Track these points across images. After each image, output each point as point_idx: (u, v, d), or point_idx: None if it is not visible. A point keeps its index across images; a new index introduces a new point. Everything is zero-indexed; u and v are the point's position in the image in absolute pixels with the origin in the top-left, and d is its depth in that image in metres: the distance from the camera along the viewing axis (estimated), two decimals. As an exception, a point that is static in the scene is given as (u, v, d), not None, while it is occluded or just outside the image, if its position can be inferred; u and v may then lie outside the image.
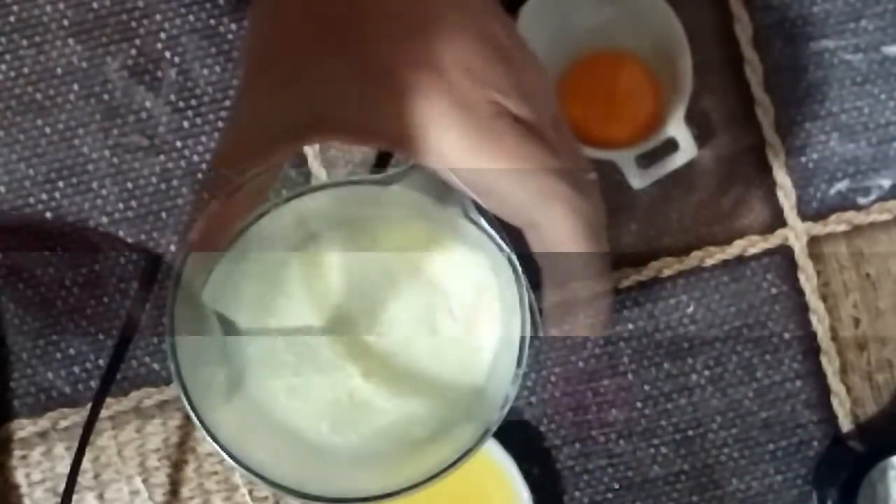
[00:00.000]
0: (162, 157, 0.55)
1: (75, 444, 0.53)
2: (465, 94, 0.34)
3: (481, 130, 0.33)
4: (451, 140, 0.32)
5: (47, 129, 0.54)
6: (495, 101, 0.34)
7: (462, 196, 0.33)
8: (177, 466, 0.55)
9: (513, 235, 0.35)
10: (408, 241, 0.37)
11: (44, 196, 0.55)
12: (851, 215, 0.55)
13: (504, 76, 0.35)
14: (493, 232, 0.33)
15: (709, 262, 0.55)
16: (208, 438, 0.32)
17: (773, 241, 0.55)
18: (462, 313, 0.37)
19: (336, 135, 0.34)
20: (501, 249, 0.33)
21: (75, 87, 0.54)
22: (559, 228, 0.34)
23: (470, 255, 0.36)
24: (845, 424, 0.55)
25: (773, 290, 0.55)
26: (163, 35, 0.54)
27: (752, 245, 0.55)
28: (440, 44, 0.34)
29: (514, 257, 0.33)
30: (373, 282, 0.37)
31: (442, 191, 0.32)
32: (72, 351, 0.55)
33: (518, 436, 0.54)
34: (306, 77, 0.34)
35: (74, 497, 0.54)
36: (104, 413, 0.54)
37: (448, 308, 0.37)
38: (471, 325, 0.37)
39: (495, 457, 0.53)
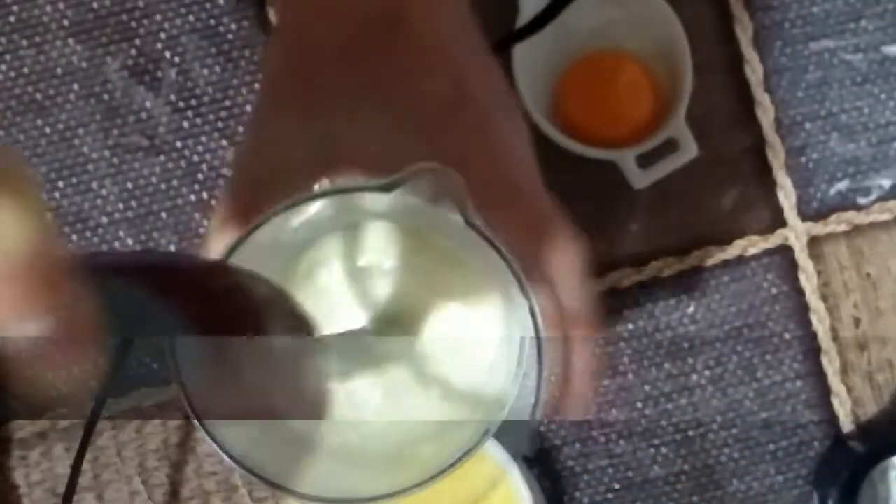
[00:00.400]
0: (162, 157, 0.55)
1: (74, 445, 0.53)
2: (474, 138, 0.35)
3: (489, 176, 0.35)
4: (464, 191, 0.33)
5: (47, 129, 0.54)
6: (493, 146, 0.36)
7: (460, 199, 0.33)
8: (176, 467, 0.55)
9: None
10: (409, 245, 0.37)
11: (44, 196, 0.54)
12: (852, 215, 0.55)
13: (503, 119, 0.37)
14: (491, 236, 0.33)
15: (709, 262, 0.55)
16: (208, 439, 0.32)
17: (774, 241, 0.55)
18: (462, 313, 0.37)
19: (360, 170, 0.34)
20: (500, 253, 0.33)
21: (75, 87, 0.54)
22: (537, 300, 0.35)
23: (471, 259, 0.36)
24: (846, 425, 0.55)
25: (774, 290, 0.55)
26: (163, 35, 0.54)
27: (753, 245, 0.55)
28: (456, 88, 0.35)
29: (512, 261, 0.33)
30: (376, 284, 0.37)
31: (442, 196, 0.32)
32: (72, 351, 0.55)
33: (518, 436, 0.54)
34: (331, 111, 0.34)
35: (74, 497, 0.53)
36: (104, 413, 0.54)
37: (448, 308, 0.37)
38: (472, 326, 0.37)
39: (496, 457, 0.53)
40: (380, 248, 0.37)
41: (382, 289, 0.37)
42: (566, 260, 0.39)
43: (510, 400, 0.34)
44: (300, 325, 0.29)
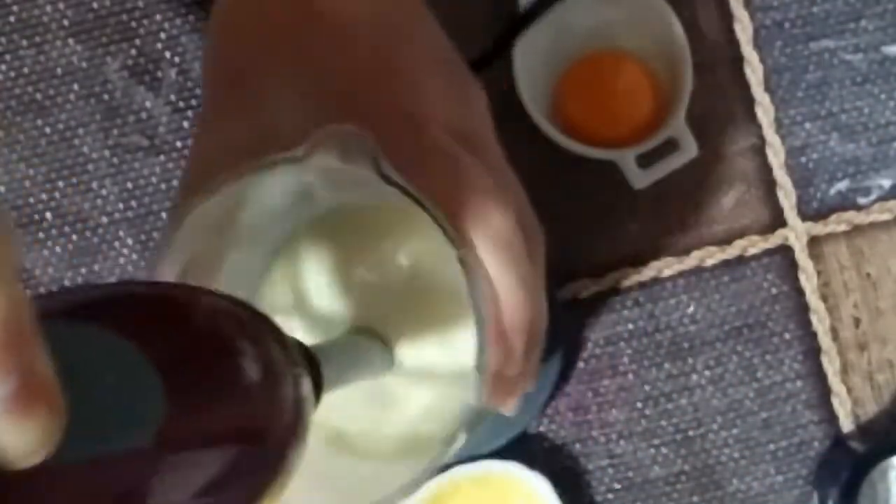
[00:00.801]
0: (162, 157, 0.55)
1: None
2: (399, 106, 0.34)
3: (410, 141, 0.34)
4: (389, 155, 0.33)
5: (47, 129, 0.54)
6: (428, 114, 0.35)
7: (370, 154, 0.32)
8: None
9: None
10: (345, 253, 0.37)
11: (44, 196, 0.54)
12: (852, 215, 0.55)
13: (451, 98, 0.36)
14: (408, 186, 0.32)
15: (709, 262, 0.55)
16: None
17: (774, 241, 0.55)
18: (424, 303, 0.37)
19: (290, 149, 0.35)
20: (418, 202, 0.32)
21: (75, 87, 0.54)
22: (469, 240, 0.34)
23: (418, 222, 0.36)
24: (846, 425, 0.55)
25: (774, 290, 0.55)
26: (163, 35, 0.54)
27: (753, 245, 0.55)
28: (385, 59, 0.35)
29: (433, 209, 0.32)
30: (329, 302, 0.37)
31: (352, 155, 0.32)
32: (71, 351, 0.55)
33: (519, 438, 0.54)
34: (263, 97, 0.35)
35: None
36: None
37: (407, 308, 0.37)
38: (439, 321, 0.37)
39: (533, 481, 0.53)
40: (319, 270, 0.37)
41: (338, 304, 0.37)
42: (470, 92, 0.37)
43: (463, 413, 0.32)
44: (278, 343, 0.27)
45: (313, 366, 0.28)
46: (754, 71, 0.55)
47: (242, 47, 0.36)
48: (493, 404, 0.36)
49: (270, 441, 0.25)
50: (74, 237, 0.55)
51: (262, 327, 0.26)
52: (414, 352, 0.37)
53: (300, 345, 0.29)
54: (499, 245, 0.34)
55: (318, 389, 0.28)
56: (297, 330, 0.37)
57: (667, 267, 0.55)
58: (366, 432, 0.37)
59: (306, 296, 0.37)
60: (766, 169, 0.55)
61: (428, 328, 0.37)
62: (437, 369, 0.37)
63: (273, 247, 0.37)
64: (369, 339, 0.36)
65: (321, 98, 0.35)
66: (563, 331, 0.54)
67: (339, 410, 0.36)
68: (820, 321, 0.55)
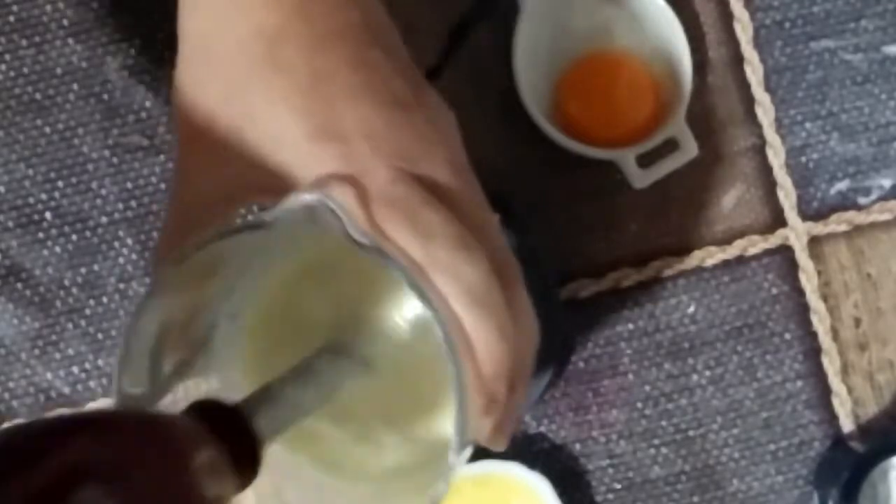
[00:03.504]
0: (162, 157, 0.55)
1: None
2: (364, 160, 0.34)
3: (378, 197, 0.34)
4: (353, 208, 0.33)
5: (47, 129, 0.54)
6: (395, 165, 0.35)
7: (340, 215, 0.32)
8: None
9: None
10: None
11: (44, 196, 0.55)
12: (852, 215, 0.55)
13: (405, 137, 0.36)
14: (376, 245, 0.32)
15: (709, 262, 0.55)
16: None
17: (774, 241, 0.55)
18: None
19: (261, 197, 0.35)
20: (386, 260, 0.31)
21: (75, 87, 0.54)
22: (444, 299, 0.34)
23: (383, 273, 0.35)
24: (846, 425, 0.55)
25: (774, 290, 0.55)
26: (162, 35, 0.54)
27: (753, 245, 0.55)
28: (341, 110, 0.35)
29: (403, 268, 0.32)
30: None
31: (317, 218, 0.32)
32: (71, 351, 0.55)
33: (518, 437, 0.54)
34: (225, 151, 0.36)
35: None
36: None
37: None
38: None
39: (538, 487, 0.53)
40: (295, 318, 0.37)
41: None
42: (439, 131, 0.37)
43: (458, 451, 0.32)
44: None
45: (245, 437, 0.27)
46: (754, 71, 0.55)
47: (207, 98, 0.36)
48: (488, 445, 0.36)
49: None
50: (74, 237, 0.55)
51: (146, 474, 0.24)
52: (394, 406, 0.37)
53: (231, 421, 0.27)
54: (472, 298, 0.34)
55: (252, 457, 0.27)
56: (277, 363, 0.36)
57: (667, 267, 0.55)
58: (358, 463, 0.37)
59: (296, 327, 0.37)
60: (767, 169, 0.55)
61: (409, 380, 0.37)
62: (417, 427, 0.37)
63: (251, 285, 0.37)
64: (337, 362, 0.35)
65: (291, 148, 0.35)
66: (560, 330, 0.54)
67: (329, 444, 0.36)
68: (820, 321, 0.55)
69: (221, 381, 0.35)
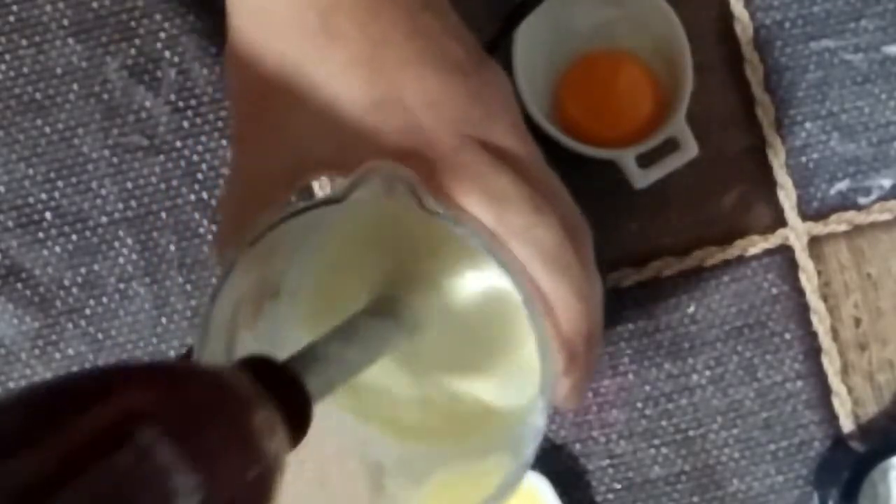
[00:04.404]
0: (162, 157, 0.55)
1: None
2: (428, 129, 0.34)
3: (446, 166, 0.34)
4: (424, 177, 0.33)
5: (47, 129, 0.54)
6: (459, 132, 0.34)
7: (412, 188, 0.32)
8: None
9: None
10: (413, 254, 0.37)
11: (44, 196, 0.54)
12: (852, 215, 0.55)
13: (467, 103, 0.35)
14: (450, 215, 0.32)
15: (709, 262, 0.55)
16: None
17: (774, 241, 0.55)
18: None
19: (324, 172, 0.35)
20: (464, 231, 0.31)
21: (75, 87, 0.54)
22: (520, 264, 0.34)
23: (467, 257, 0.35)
24: (846, 425, 0.55)
25: (774, 290, 0.55)
26: (163, 35, 0.54)
27: (753, 245, 0.55)
28: (400, 79, 0.34)
29: (479, 236, 0.31)
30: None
31: (393, 191, 0.31)
32: (71, 351, 0.55)
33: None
34: (287, 125, 0.35)
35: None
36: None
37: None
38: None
39: (530, 482, 0.53)
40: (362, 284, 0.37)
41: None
42: (499, 97, 0.37)
43: (539, 431, 0.32)
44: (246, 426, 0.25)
45: (295, 393, 0.27)
46: (754, 71, 0.55)
47: (261, 74, 0.36)
48: (561, 406, 0.37)
49: None
50: (74, 237, 0.55)
51: (206, 418, 0.24)
52: (471, 377, 0.37)
53: (281, 378, 0.27)
54: (548, 260, 0.34)
55: (302, 413, 0.27)
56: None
57: (667, 267, 0.55)
58: (413, 421, 0.37)
59: (354, 296, 0.37)
60: (767, 169, 0.55)
61: (481, 348, 0.37)
62: (488, 392, 0.37)
63: (318, 254, 0.37)
64: (382, 319, 0.35)
65: (351, 119, 0.35)
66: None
67: (383, 400, 0.36)
68: (820, 321, 0.55)
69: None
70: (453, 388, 0.37)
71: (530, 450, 0.32)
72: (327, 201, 0.31)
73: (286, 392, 0.27)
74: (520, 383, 0.34)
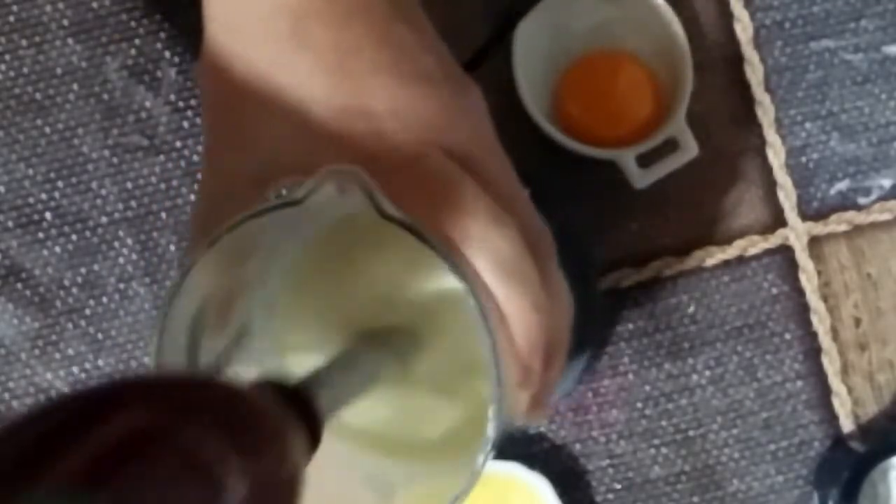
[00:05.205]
0: (162, 157, 0.55)
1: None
2: (392, 136, 0.34)
3: (407, 173, 0.34)
4: (387, 185, 0.33)
5: (47, 129, 0.54)
6: (424, 140, 0.35)
7: (367, 190, 0.32)
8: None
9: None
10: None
11: (44, 196, 0.54)
12: (852, 215, 0.55)
13: (434, 112, 0.35)
14: (408, 220, 0.32)
15: (709, 262, 0.55)
16: None
17: (774, 241, 0.55)
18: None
19: (291, 178, 0.35)
20: (418, 235, 0.31)
21: (75, 87, 0.54)
22: (476, 272, 0.34)
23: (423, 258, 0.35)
24: (846, 425, 0.55)
25: (774, 290, 0.55)
26: (163, 35, 0.54)
27: (753, 245, 0.55)
28: (368, 87, 0.35)
29: (435, 241, 0.31)
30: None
31: (347, 195, 0.31)
32: (71, 351, 0.55)
33: (519, 438, 0.54)
34: (256, 132, 0.36)
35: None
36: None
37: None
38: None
39: (537, 485, 0.53)
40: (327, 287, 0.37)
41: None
42: (466, 103, 0.37)
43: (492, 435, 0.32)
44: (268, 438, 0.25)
45: (307, 411, 0.28)
46: (754, 71, 0.55)
47: (231, 83, 0.36)
48: (525, 421, 0.36)
49: None
50: (74, 237, 0.55)
51: (239, 421, 0.24)
52: (430, 371, 0.37)
53: (293, 397, 0.27)
54: (504, 271, 0.34)
55: (315, 431, 0.28)
56: (311, 345, 0.36)
57: (667, 267, 0.55)
58: (398, 439, 0.37)
59: (330, 307, 0.37)
60: (767, 169, 0.55)
61: (444, 355, 0.37)
62: (453, 398, 0.37)
63: (291, 264, 0.37)
64: (377, 350, 0.35)
65: (319, 127, 0.35)
66: (596, 312, 0.54)
67: (368, 418, 0.36)
68: (820, 321, 0.55)
69: (262, 371, 0.35)
70: (423, 401, 0.37)
71: (480, 460, 0.31)
72: (285, 204, 0.31)
73: (302, 409, 0.27)
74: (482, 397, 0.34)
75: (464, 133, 0.36)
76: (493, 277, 0.34)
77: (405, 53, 0.36)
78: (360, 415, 0.34)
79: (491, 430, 0.31)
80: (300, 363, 0.35)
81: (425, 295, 0.36)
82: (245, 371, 0.34)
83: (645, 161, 0.52)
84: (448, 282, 0.31)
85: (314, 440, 0.28)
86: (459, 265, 0.31)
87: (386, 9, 0.36)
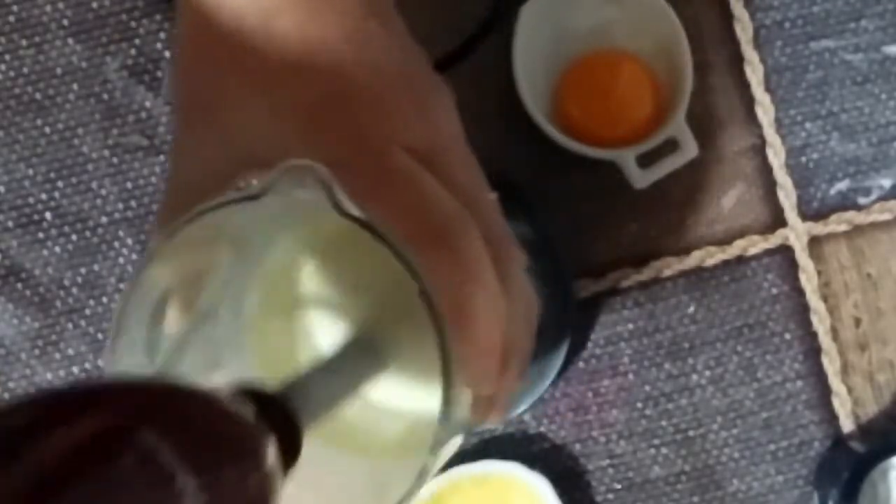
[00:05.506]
0: (162, 157, 0.55)
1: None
2: (357, 132, 0.34)
3: (370, 170, 0.34)
4: (349, 180, 0.33)
5: (47, 129, 0.54)
6: (389, 137, 0.35)
7: (325, 186, 0.32)
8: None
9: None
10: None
11: (44, 196, 0.54)
12: (852, 215, 0.55)
13: (402, 109, 0.36)
14: (364, 217, 0.32)
15: (709, 262, 0.55)
16: None
17: (774, 241, 0.55)
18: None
19: (259, 172, 0.35)
20: (374, 233, 0.31)
21: (75, 87, 0.54)
22: (432, 271, 0.34)
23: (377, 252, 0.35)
24: (846, 425, 0.55)
25: (774, 290, 0.55)
26: (163, 35, 0.54)
27: (753, 245, 0.55)
28: (335, 82, 0.35)
29: (391, 238, 0.31)
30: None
31: (307, 190, 0.31)
32: (71, 351, 0.55)
33: (519, 438, 0.54)
34: (224, 128, 0.36)
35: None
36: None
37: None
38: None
39: (537, 486, 0.53)
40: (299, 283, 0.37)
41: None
42: (435, 100, 0.37)
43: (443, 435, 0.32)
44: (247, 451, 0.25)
45: (285, 420, 0.27)
46: (754, 71, 0.55)
47: (206, 73, 0.36)
48: (476, 421, 0.36)
49: None
50: (74, 237, 0.55)
51: (205, 427, 0.24)
52: (398, 369, 0.37)
53: (270, 406, 0.27)
54: (461, 272, 0.34)
55: (293, 440, 0.27)
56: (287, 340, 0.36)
57: (667, 267, 0.55)
58: (361, 430, 0.37)
59: (298, 306, 0.37)
60: (767, 169, 0.55)
61: (401, 347, 0.37)
62: (411, 388, 0.37)
63: (253, 263, 0.37)
64: (362, 348, 0.35)
65: (286, 120, 0.35)
66: (571, 320, 0.54)
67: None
68: (820, 321, 0.55)
69: (230, 371, 0.35)
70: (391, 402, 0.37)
71: (427, 460, 0.31)
72: (243, 198, 0.31)
73: (279, 418, 0.27)
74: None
75: (429, 131, 0.36)
76: (452, 278, 0.34)
77: (374, 48, 0.36)
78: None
79: (440, 429, 0.31)
80: (268, 364, 0.35)
81: (388, 294, 0.36)
82: (213, 373, 0.34)
83: (645, 161, 0.52)
84: (406, 280, 0.31)
85: (293, 450, 0.27)
86: (413, 263, 0.31)
87: (357, 6, 0.36)
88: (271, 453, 0.26)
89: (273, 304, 0.37)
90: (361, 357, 0.35)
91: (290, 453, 0.27)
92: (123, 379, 0.27)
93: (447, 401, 0.31)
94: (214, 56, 0.36)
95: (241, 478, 0.24)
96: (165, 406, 0.23)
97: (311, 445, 0.35)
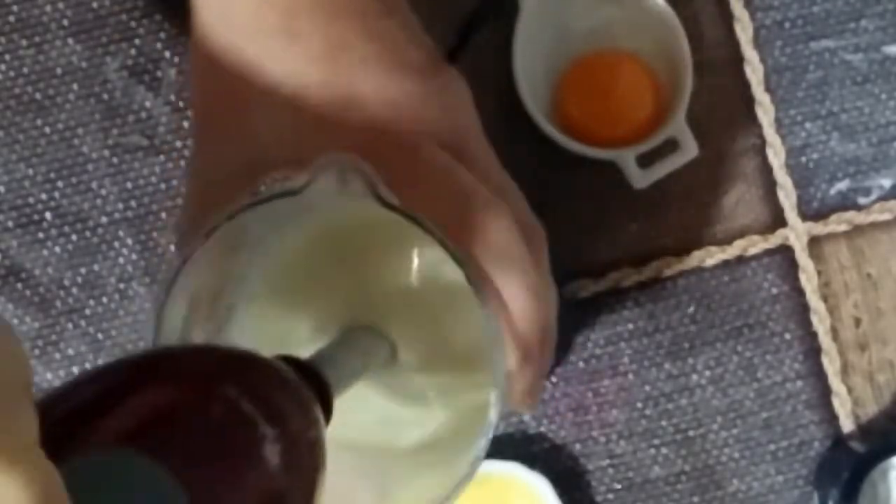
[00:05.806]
0: (162, 157, 0.55)
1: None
2: (386, 128, 0.35)
3: (402, 164, 0.34)
4: (383, 175, 0.33)
5: (47, 129, 0.54)
6: (417, 131, 0.35)
7: (367, 180, 0.32)
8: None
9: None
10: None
11: (44, 196, 0.54)
12: (852, 215, 0.55)
13: (425, 104, 0.36)
14: (407, 209, 0.32)
15: (709, 262, 0.55)
16: None
17: (774, 241, 0.55)
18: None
19: (283, 170, 0.36)
20: (420, 224, 0.31)
21: (75, 87, 0.54)
22: (474, 259, 0.34)
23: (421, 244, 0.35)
24: (846, 425, 0.55)
25: (774, 290, 0.55)
26: (163, 35, 0.54)
27: (753, 245, 0.55)
28: (359, 79, 0.35)
29: (435, 229, 0.32)
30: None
31: (348, 183, 0.31)
32: (71, 351, 0.55)
33: (519, 438, 0.54)
34: (246, 123, 0.36)
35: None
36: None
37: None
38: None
39: (537, 485, 0.53)
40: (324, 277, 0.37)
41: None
42: (455, 96, 0.37)
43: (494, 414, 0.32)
44: (287, 393, 0.27)
45: (320, 384, 0.29)
46: (754, 71, 0.55)
47: (223, 77, 0.36)
48: (517, 408, 0.37)
49: (296, 494, 0.25)
50: (74, 237, 0.55)
51: (271, 383, 0.26)
52: (427, 370, 0.37)
53: (307, 370, 0.28)
54: (501, 257, 0.34)
55: (328, 403, 0.29)
56: (304, 332, 0.37)
57: (667, 267, 0.55)
58: (380, 447, 0.37)
59: (313, 302, 0.37)
60: (767, 169, 0.55)
61: (439, 344, 0.37)
62: (451, 387, 0.37)
63: (276, 258, 0.37)
64: (371, 334, 0.36)
65: (308, 122, 0.35)
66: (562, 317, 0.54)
67: (352, 426, 0.36)
68: (820, 321, 0.55)
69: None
70: (430, 396, 0.37)
71: (482, 445, 0.32)
72: (283, 193, 0.31)
73: (316, 382, 0.29)
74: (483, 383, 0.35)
75: (454, 125, 0.37)
76: (492, 265, 0.34)
77: (392, 46, 0.36)
78: (345, 424, 0.35)
79: (493, 415, 0.31)
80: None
81: (417, 285, 0.36)
82: None
83: (645, 161, 0.52)
84: (447, 270, 0.32)
85: (327, 411, 0.29)
86: (457, 251, 0.32)
87: (373, 4, 0.36)
88: (318, 410, 0.28)
89: (284, 307, 0.37)
90: (374, 340, 0.35)
91: (326, 415, 0.29)
92: (198, 345, 0.30)
93: (499, 383, 0.31)
94: (231, 54, 0.36)
95: (305, 428, 0.27)
96: (237, 366, 0.26)
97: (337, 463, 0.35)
